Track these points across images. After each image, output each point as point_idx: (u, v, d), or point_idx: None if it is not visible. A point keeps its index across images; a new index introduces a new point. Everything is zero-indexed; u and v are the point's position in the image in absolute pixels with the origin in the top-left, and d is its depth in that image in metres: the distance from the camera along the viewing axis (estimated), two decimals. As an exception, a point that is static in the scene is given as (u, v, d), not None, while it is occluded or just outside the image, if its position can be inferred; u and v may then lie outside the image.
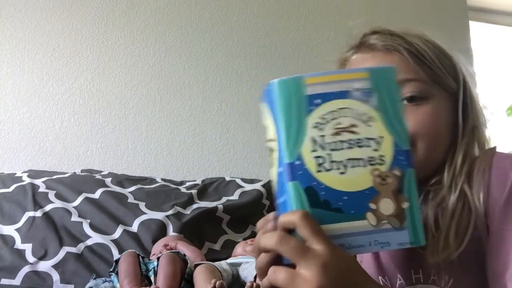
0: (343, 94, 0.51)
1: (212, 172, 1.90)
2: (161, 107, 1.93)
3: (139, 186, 1.62)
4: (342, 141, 0.50)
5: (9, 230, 1.39)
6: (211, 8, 2.05)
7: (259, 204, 1.63)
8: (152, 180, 1.71)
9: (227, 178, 1.76)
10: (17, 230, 1.39)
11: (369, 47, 0.70)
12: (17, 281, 1.25)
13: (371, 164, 0.50)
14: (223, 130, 1.97)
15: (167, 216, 1.47)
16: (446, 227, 0.61)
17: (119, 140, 1.88)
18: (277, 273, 0.47)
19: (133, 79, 1.93)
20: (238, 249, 1.34)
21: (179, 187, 1.67)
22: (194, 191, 1.63)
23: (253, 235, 1.52)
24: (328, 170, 0.50)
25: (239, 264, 1.22)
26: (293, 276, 0.46)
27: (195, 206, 1.56)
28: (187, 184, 1.71)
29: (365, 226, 0.49)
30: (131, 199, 1.54)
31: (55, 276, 1.28)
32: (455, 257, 0.59)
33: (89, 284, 1.17)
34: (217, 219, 1.55)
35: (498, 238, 0.59)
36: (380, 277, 0.70)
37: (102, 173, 1.71)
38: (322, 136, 0.50)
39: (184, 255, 1.20)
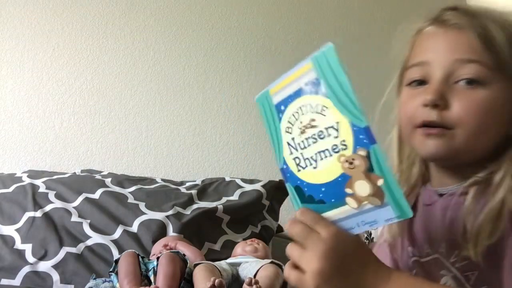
0: (298, 93, 0.54)
1: (212, 172, 1.90)
2: (161, 107, 1.93)
3: (139, 186, 1.62)
4: (307, 138, 0.53)
5: (9, 230, 1.39)
6: (211, 8, 2.04)
7: (259, 205, 1.62)
8: (152, 180, 1.71)
9: (227, 178, 1.76)
10: (17, 230, 1.39)
11: (442, 22, 0.69)
12: (17, 281, 1.25)
13: (336, 152, 0.51)
14: (223, 130, 1.97)
15: (167, 216, 1.47)
16: (480, 227, 0.59)
17: (119, 140, 1.88)
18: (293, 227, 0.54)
19: (133, 79, 1.93)
20: (238, 249, 1.34)
21: (179, 187, 1.67)
22: (194, 191, 1.63)
23: (253, 235, 1.52)
24: (304, 168, 0.54)
25: (238, 264, 1.22)
26: (300, 252, 0.53)
27: (195, 206, 1.56)
28: (187, 184, 1.71)
29: (349, 210, 0.52)
30: (131, 199, 1.54)
31: (55, 276, 1.28)
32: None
33: (89, 284, 1.17)
34: (217, 219, 1.55)
35: None
36: (409, 247, 0.73)
37: (102, 173, 1.71)
38: (293, 138, 0.55)
39: (184, 254, 1.20)
